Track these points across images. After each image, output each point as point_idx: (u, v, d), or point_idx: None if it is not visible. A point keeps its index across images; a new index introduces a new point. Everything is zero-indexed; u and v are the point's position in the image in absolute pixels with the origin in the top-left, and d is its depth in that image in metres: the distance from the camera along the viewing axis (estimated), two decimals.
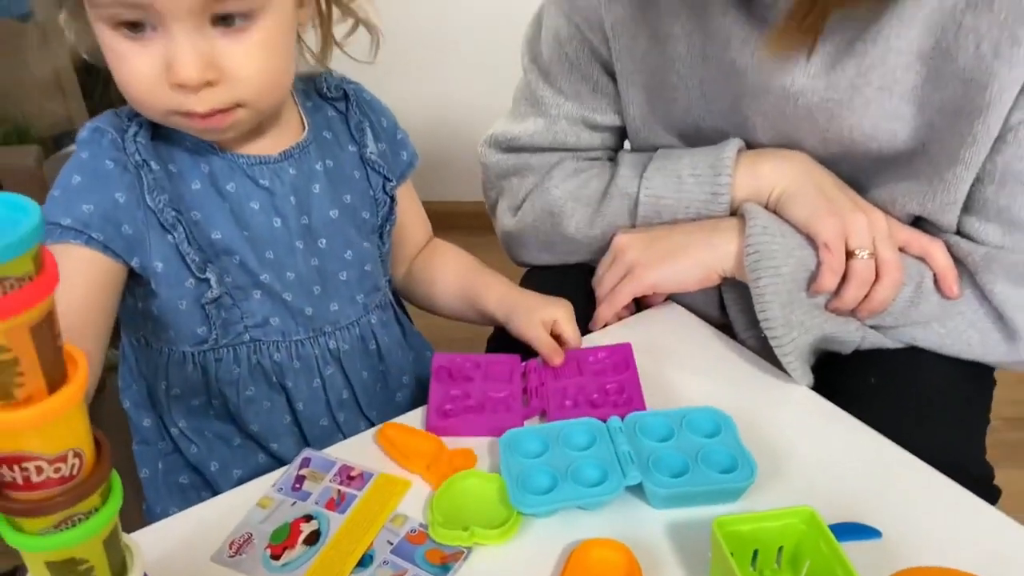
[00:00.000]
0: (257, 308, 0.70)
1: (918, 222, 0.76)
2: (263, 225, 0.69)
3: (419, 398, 0.77)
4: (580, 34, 0.82)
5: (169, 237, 0.65)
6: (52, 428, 0.41)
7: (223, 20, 0.59)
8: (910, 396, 0.75)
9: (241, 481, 0.65)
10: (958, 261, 0.73)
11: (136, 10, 0.57)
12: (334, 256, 0.73)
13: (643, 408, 0.68)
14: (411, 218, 0.84)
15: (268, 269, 0.69)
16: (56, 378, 0.41)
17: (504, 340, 0.92)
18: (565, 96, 0.85)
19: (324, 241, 0.72)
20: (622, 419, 0.66)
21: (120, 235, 0.63)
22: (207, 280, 0.67)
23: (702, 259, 0.75)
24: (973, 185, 0.70)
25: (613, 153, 0.89)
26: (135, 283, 0.67)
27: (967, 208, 0.71)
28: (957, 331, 0.73)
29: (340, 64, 0.74)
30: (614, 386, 0.71)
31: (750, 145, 0.79)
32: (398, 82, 1.93)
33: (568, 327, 0.75)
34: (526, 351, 0.76)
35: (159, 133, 0.66)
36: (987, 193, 0.69)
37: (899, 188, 0.73)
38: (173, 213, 0.65)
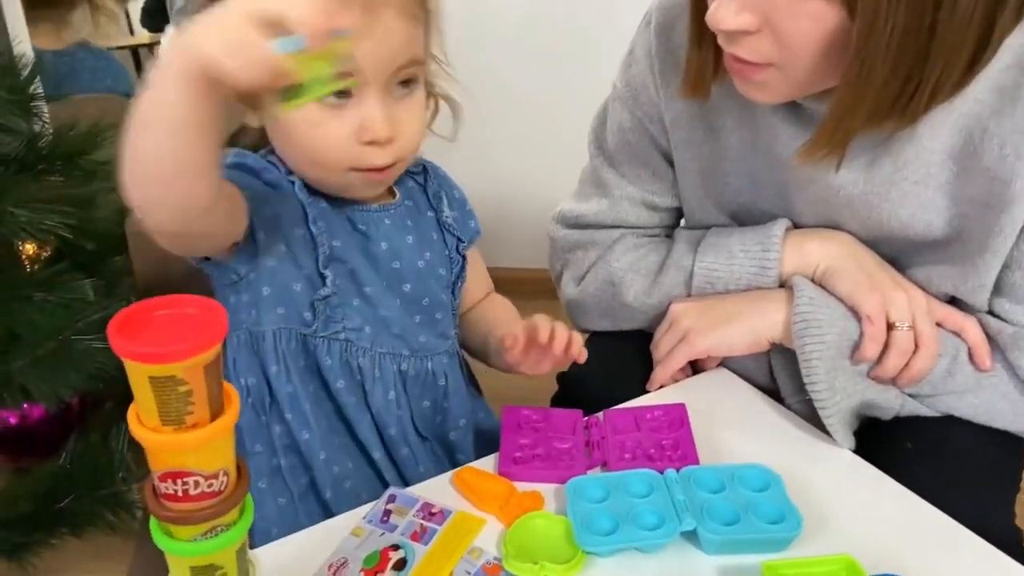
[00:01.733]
0: (355, 313, 0.80)
1: (952, 301, 0.82)
2: (384, 261, 0.81)
3: (477, 443, 0.86)
4: (642, 126, 0.92)
5: (304, 231, 0.77)
6: (211, 450, 0.50)
7: (402, 85, 0.74)
8: (944, 461, 0.79)
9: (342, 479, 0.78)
10: (989, 338, 0.79)
11: (349, 78, 0.67)
12: (415, 297, 0.83)
13: (697, 463, 0.74)
14: (473, 275, 0.93)
15: (373, 287, 0.80)
16: (216, 408, 0.49)
17: (566, 398, 1.00)
18: (627, 180, 0.95)
19: (408, 286, 0.83)
20: (677, 471, 0.72)
21: (270, 205, 0.76)
22: (324, 277, 0.77)
23: (753, 326, 0.83)
24: (1002, 271, 0.76)
25: (670, 231, 0.98)
26: (247, 263, 0.76)
27: (997, 291, 0.78)
28: (989, 402, 0.79)
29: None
30: (669, 442, 0.77)
31: (796, 226, 0.86)
32: (468, 158, 2.10)
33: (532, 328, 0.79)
34: (587, 408, 0.83)
35: (320, 206, 0.80)
36: (1015, 278, 0.76)
37: (935, 271, 0.80)
38: (323, 229, 0.78)
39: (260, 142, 0.81)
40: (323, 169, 0.75)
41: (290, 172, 0.78)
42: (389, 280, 0.82)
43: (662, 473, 0.72)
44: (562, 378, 1.02)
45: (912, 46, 0.62)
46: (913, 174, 0.76)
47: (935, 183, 0.76)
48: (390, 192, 0.84)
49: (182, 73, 0.51)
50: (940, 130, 0.73)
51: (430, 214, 0.87)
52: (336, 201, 0.80)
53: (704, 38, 0.75)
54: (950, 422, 0.81)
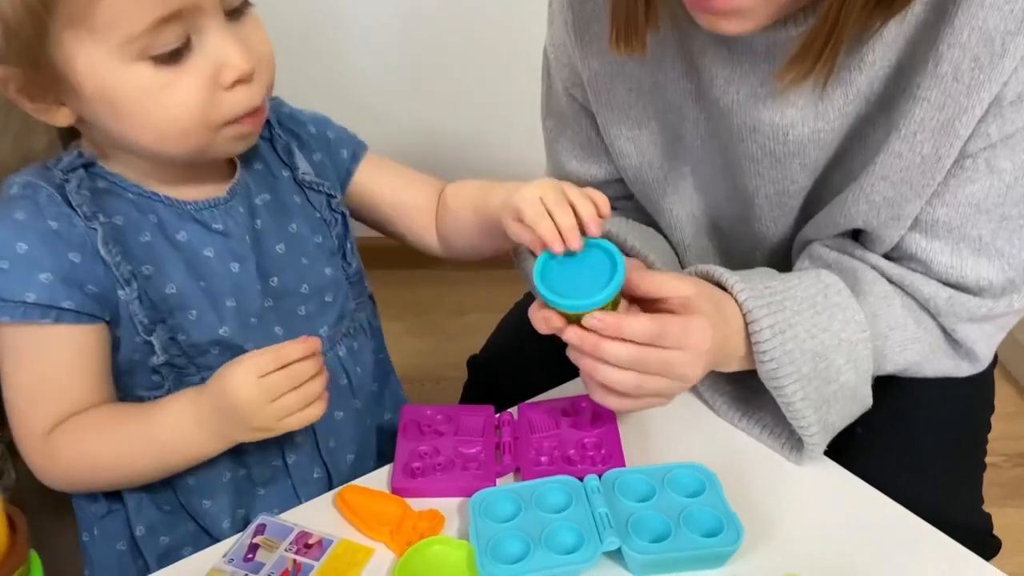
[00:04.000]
0: (215, 362, 0.65)
1: (855, 236, 0.73)
2: (221, 274, 0.65)
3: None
4: (568, 92, 0.80)
5: (122, 293, 0.61)
6: None
7: (235, 12, 0.59)
8: (898, 445, 0.72)
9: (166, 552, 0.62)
10: (918, 303, 0.69)
11: (174, 23, 0.54)
12: (288, 292, 0.69)
13: (622, 464, 0.64)
14: (393, 185, 0.77)
15: (228, 321, 0.65)
16: None
17: (477, 387, 0.89)
18: (568, 151, 0.83)
19: (276, 279, 0.68)
20: (599, 477, 0.62)
21: (87, 296, 0.60)
22: (151, 344, 0.63)
23: (720, 360, 0.67)
24: (924, 206, 0.66)
25: (627, 201, 0.86)
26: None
27: (914, 226, 0.68)
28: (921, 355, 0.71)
29: None
30: (592, 440, 0.67)
31: (743, 191, 0.75)
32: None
33: (531, 213, 0.61)
34: (501, 402, 0.72)
35: (97, 188, 0.62)
36: (938, 214, 0.66)
37: (848, 203, 0.69)
38: (128, 267, 0.61)
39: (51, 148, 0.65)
40: (189, 137, 0.59)
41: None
42: (260, 279, 0.67)
43: (582, 480, 0.62)
44: (473, 364, 0.91)
45: None
46: (863, 97, 0.65)
47: (880, 101, 0.65)
48: (229, 164, 0.69)
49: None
50: (891, 48, 0.62)
51: (285, 174, 0.71)
52: (175, 201, 0.64)
53: None
54: (901, 400, 0.72)
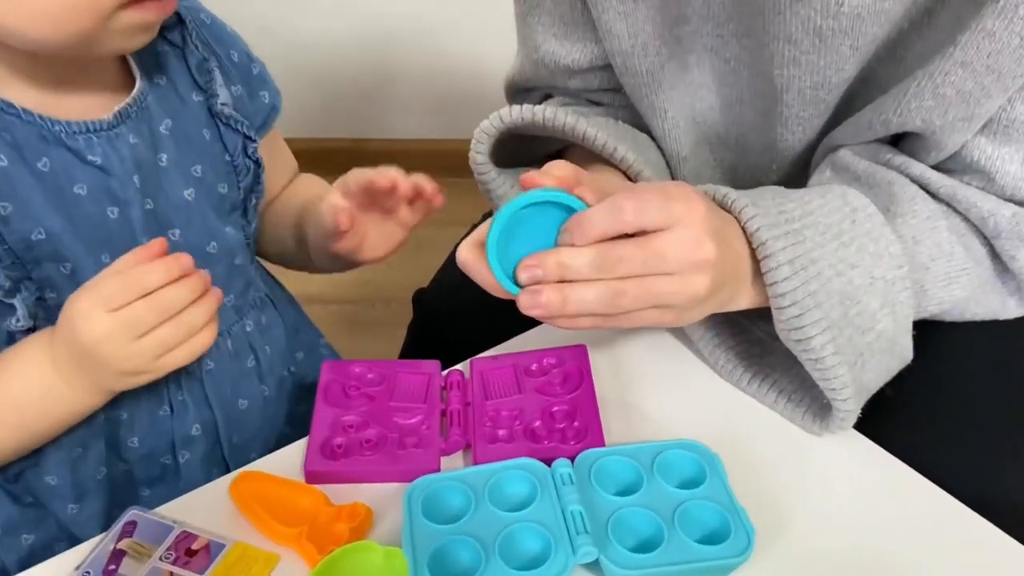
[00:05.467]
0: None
1: (894, 142, 0.59)
2: (94, 217, 0.50)
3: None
4: None
5: None
6: None
7: None
8: (935, 410, 0.60)
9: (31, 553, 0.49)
10: (976, 222, 0.57)
11: None
12: (192, 250, 0.53)
13: (601, 443, 0.51)
14: (273, 169, 0.64)
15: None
16: None
17: (424, 335, 0.75)
18: (542, 27, 0.66)
19: (178, 232, 0.54)
20: (572, 461, 0.49)
21: None
22: (11, 307, 0.48)
23: (730, 297, 0.52)
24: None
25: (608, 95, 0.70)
26: None
27: (981, 129, 0.55)
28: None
29: None
30: (563, 409, 0.53)
31: (768, 85, 0.60)
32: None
33: (363, 174, 0.57)
34: (451, 350, 0.58)
35: None
36: (1016, 112, 0.53)
37: (916, 97, 0.54)
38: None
39: None
40: (74, 18, 0.44)
41: None
42: (150, 230, 0.52)
43: (550, 465, 0.48)
44: (419, 301, 0.76)
45: None
46: None
47: None
48: (122, 71, 0.53)
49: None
50: None
51: (197, 97, 0.56)
52: (36, 118, 0.48)
53: None
54: (936, 353, 0.60)
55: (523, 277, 0.46)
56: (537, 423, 0.53)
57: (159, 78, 0.54)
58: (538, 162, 0.68)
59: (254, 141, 0.59)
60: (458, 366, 0.58)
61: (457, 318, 0.73)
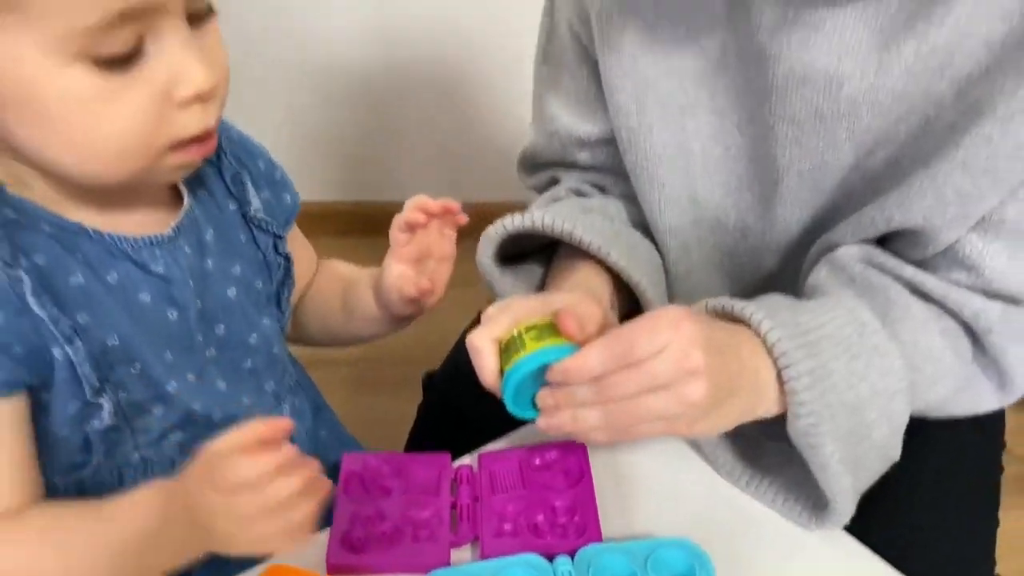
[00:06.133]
0: (156, 425, 0.55)
1: (885, 241, 0.63)
2: (156, 320, 0.54)
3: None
4: (571, 30, 0.70)
5: (60, 351, 0.49)
6: None
7: (198, 17, 0.49)
8: (900, 503, 0.64)
9: None
10: (967, 321, 0.60)
11: (132, 22, 0.44)
12: (236, 343, 0.59)
13: (599, 538, 0.55)
14: (299, 260, 0.68)
15: (172, 375, 0.54)
16: None
17: (436, 407, 0.80)
18: (559, 103, 0.73)
19: (222, 327, 0.58)
20: (572, 557, 0.53)
21: (15, 361, 0.48)
22: (99, 406, 0.52)
23: (750, 407, 0.56)
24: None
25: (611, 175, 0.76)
26: None
27: (972, 226, 0.59)
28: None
29: None
30: (564, 504, 0.58)
31: (769, 168, 0.65)
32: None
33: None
34: (461, 427, 0.63)
35: (8, 220, 0.49)
36: (1007, 211, 0.57)
37: (908, 197, 0.59)
38: (67, 321, 0.49)
39: None
40: (125, 162, 0.48)
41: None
42: (202, 328, 0.57)
43: (551, 561, 0.53)
44: (429, 384, 0.81)
45: None
46: (937, 63, 0.55)
47: (953, 77, 0.56)
48: (170, 189, 0.58)
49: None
50: (979, 6, 0.53)
51: (232, 207, 0.61)
52: (105, 236, 0.53)
53: None
54: (912, 455, 0.63)
55: (540, 406, 0.52)
56: (540, 517, 0.57)
57: (201, 192, 0.59)
58: (538, 253, 0.73)
59: (283, 239, 0.64)
60: (467, 459, 0.62)
61: (467, 402, 0.77)
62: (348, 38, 1.78)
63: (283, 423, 0.46)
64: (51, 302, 0.49)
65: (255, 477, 0.44)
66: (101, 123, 0.46)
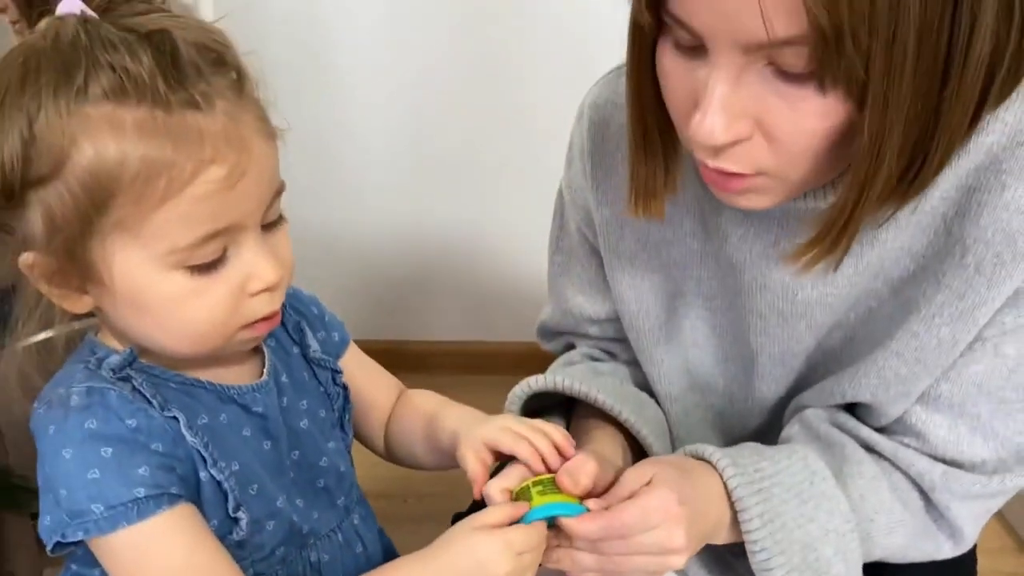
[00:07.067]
0: (268, 540, 0.65)
1: (858, 407, 0.73)
2: (255, 452, 0.65)
3: None
4: (580, 232, 0.83)
5: (206, 474, 0.60)
6: None
7: (269, 224, 0.60)
8: None
9: None
10: (914, 478, 0.70)
11: (218, 238, 0.55)
12: (308, 465, 0.69)
13: None
14: (365, 381, 0.79)
15: (278, 494, 0.65)
16: None
17: None
18: (573, 288, 0.85)
19: (297, 453, 0.69)
20: None
21: (180, 480, 0.58)
22: (238, 520, 0.61)
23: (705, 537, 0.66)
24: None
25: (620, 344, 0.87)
26: None
27: (916, 399, 0.70)
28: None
29: None
30: None
31: (746, 348, 0.76)
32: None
33: (507, 440, 0.66)
34: None
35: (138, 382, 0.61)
36: (942, 389, 0.68)
37: (857, 377, 0.70)
38: (208, 451, 0.60)
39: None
40: (206, 341, 0.60)
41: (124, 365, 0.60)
42: (284, 464, 0.67)
43: None
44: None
45: (919, 122, 0.53)
46: (871, 272, 0.67)
47: (887, 279, 0.67)
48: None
49: None
50: (904, 231, 0.65)
51: (295, 351, 0.73)
52: (216, 386, 0.64)
53: (650, 148, 0.65)
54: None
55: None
56: None
57: (271, 342, 0.70)
58: (557, 407, 0.84)
59: (340, 372, 0.74)
60: None
61: None
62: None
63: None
64: (202, 434, 0.60)
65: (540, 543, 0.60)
66: (188, 313, 0.57)
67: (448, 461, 0.74)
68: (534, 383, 0.78)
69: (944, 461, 0.69)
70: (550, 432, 0.66)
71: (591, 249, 0.83)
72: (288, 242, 0.63)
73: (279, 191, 0.61)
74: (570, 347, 0.91)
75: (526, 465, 0.65)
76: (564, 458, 0.65)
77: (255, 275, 0.58)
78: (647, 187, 0.67)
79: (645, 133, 0.64)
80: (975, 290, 0.62)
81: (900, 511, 0.69)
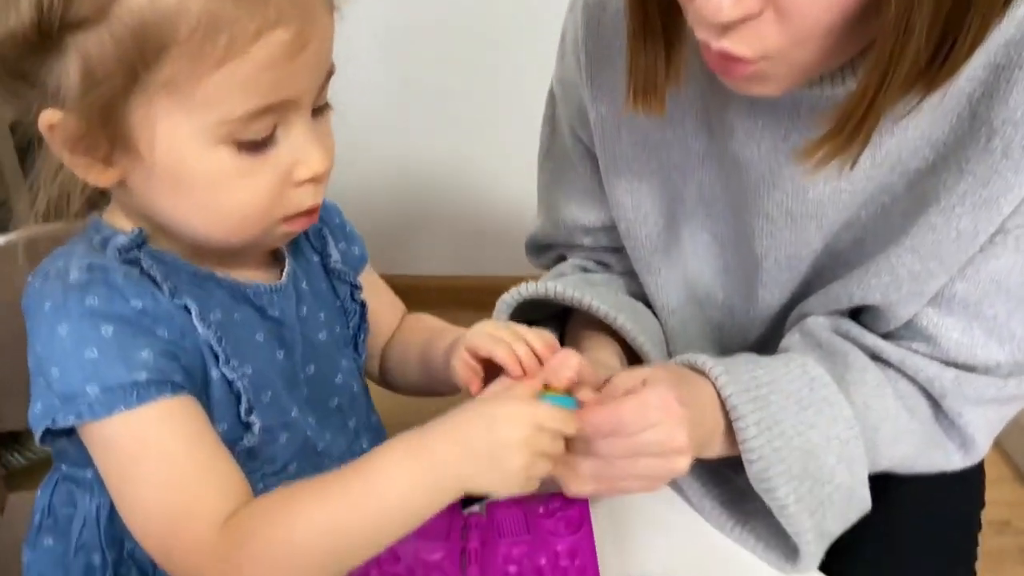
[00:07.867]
0: (280, 453, 0.60)
1: (865, 312, 0.68)
2: (268, 360, 0.59)
3: None
4: (574, 133, 0.76)
5: (217, 372, 0.54)
6: None
7: (318, 109, 0.55)
8: (884, 551, 0.69)
9: None
10: (923, 385, 0.66)
11: (271, 113, 0.50)
12: (324, 382, 0.64)
13: None
14: (375, 301, 0.73)
15: (291, 405, 0.60)
16: None
17: None
18: (564, 195, 0.79)
19: (313, 367, 0.63)
20: None
21: (186, 371, 0.52)
22: (250, 426, 0.56)
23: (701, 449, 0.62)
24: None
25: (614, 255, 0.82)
26: None
27: (928, 301, 0.65)
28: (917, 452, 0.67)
29: None
30: (565, 548, 0.62)
31: (749, 255, 0.71)
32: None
33: (486, 344, 0.60)
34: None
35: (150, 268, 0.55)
36: (957, 288, 0.63)
37: (867, 276, 0.65)
38: (221, 347, 0.55)
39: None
40: (244, 229, 0.54)
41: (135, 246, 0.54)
42: (297, 377, 0.62)
43: None
44: None
45: None
46: (889, 164, 0.62)
47: (903, 171, 0.62)
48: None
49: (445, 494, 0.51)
50: (923, 116, 0.58)
51: (315, 259, 0.67)
52: (231, 281, 0.58)
53: (651, 35, 0.58)
54: (887, 500, 0.67)
55: None
56: (543, 560, 0.61)
57: (292, 246, 0.65)
58: (549, 319, 0.79)
59: (359, 288, 0.69)
60: (476, 507, 0.66)
61: None
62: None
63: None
64: (215, 328, 0.55)
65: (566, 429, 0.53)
66: (231, 196, 0.52)
67: (437, 386, 0.70)
68: (524, 290, 0.72)
69: (956, 366, 0.65)
70: (530, 338, 0.60)
71: (584, 151, 0.76)
72: (331, 131, 0.57)
73: (331, 73, 0.55)
74: (561, 259, 0.86)
75: (504, 368, 0.59)
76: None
77: (303, 161, 0.53)
78: (647, 79, 0.60)
79: (645, 17, 0.58)
80: (1001, 176, 0.57)
81: (907, 419, 0.65)
